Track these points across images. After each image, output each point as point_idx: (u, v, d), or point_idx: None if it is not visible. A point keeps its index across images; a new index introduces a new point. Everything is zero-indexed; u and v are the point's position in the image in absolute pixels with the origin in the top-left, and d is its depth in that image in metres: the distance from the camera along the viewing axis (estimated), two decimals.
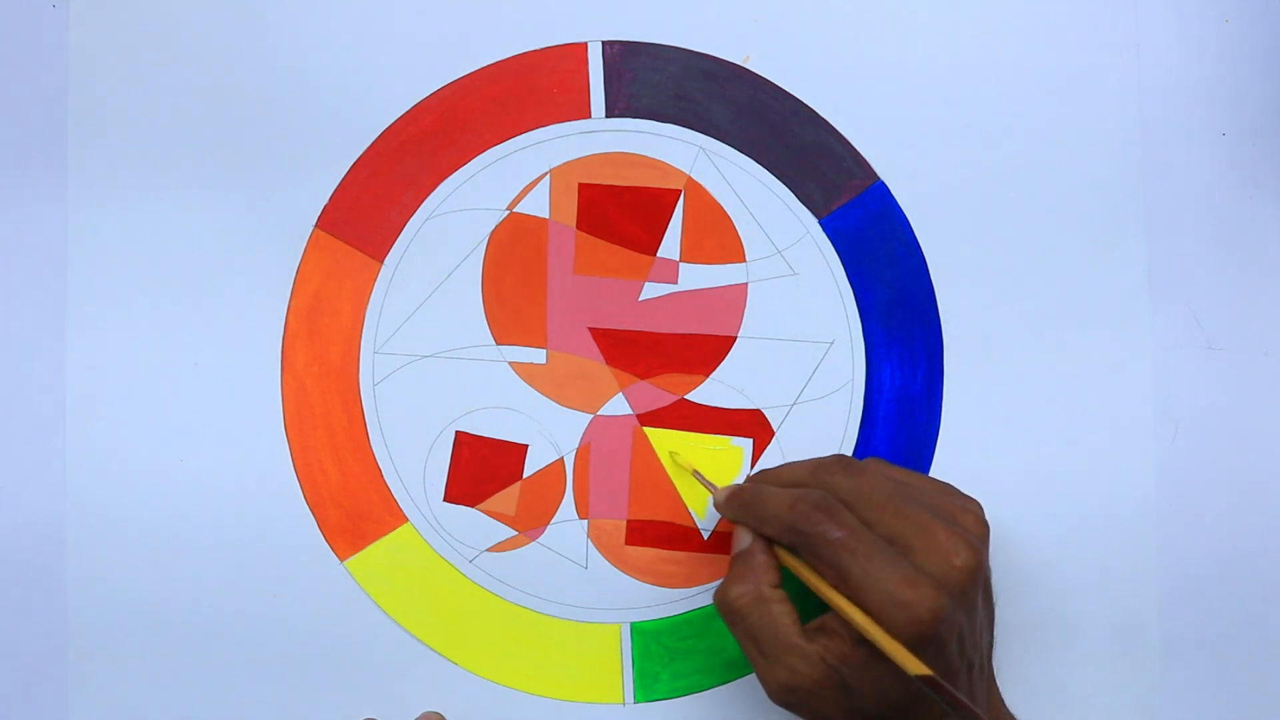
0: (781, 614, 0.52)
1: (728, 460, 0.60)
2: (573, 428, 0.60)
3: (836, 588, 0.50)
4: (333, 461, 0.60)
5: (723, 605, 0.53)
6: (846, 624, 0.50)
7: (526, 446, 0.60)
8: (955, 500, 0.53)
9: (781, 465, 0.57)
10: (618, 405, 0.60)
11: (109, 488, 0.59)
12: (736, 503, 0.55)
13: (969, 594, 0.50)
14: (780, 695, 0.52)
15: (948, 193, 0.60)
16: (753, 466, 0.59)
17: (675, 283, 0.60)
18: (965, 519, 0.52)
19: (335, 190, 0.60)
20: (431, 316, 0.60)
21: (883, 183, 0.60)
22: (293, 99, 0.60)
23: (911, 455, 0.59)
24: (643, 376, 0.60)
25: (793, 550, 0.53)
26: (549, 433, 0.60)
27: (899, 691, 0.50)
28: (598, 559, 0.59)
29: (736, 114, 0.60)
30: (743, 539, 0.54)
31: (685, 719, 0.59)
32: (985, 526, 0.53)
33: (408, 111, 0.60)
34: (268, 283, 0.60)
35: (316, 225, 0.60)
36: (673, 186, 0.60)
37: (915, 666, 0.47)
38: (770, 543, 0.54)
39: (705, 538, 0.59)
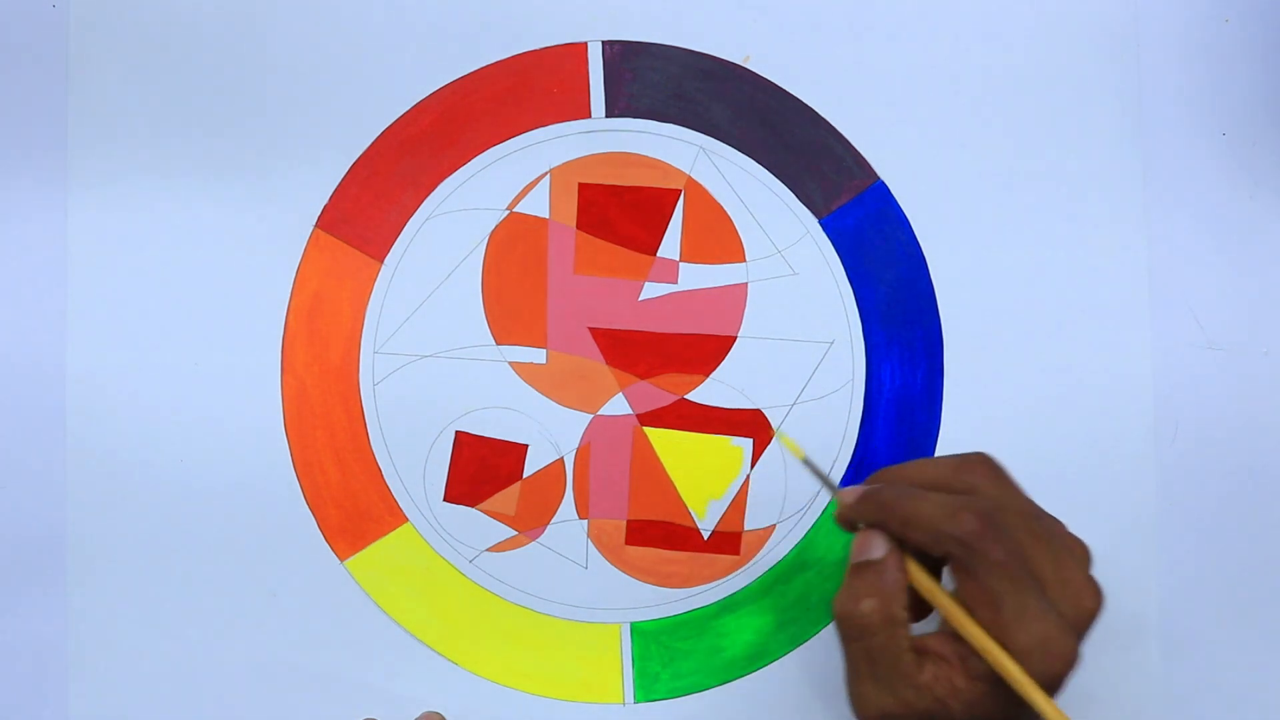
0: (905, 639, 0.48)
1: (727, 460, 0.60)
2: (573, 428, 0.60)
3: (979, 613, 0.46)
4: (333, 461, 0.60)
5: (848, 618, 0.48)
6: (955, 651, 0.47)
7: (526, 446, 0.60)
8: (1069, 535, 0.50)
9: (913, 462, 0.52)
10: (618, 405, 0.60)
11: (109, 488, 0.59)
12: (874, 503, 0.49)
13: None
14: (873, 717, 0.48)
15: (948, 193, 0.60)
16: (752, 466, 0.59)
17: (675, 283, 0.60)
18: (1080, 552, 0.49)
19: (335, 190, 0.60)
20: (431, 316, 0.60)
21: (883, 183, 0.60)
22: (292, 99, 0.60)
23: (911, 455, 0.59)
24: (643, 376, 0.60)
25: (924, 564, 0.49)
26: (549, 433, 0.60)
27: None
28: (598, 559, 0.59)
29: (736, 114, 0.60)
30: (875, 547, 0.49)
31: (685, 719, 0.59)
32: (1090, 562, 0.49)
33: (408, 111, 0.60)
34: (268, 283, 0.60)
35: (316, 225, 0.60)
36: (673, 186, 0.60)
37: (1059, 717, 0.44)
38: (901, 561, 0.49)
39: (705, 538, 0.60)
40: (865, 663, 0.48)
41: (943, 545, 0.47)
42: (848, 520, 0.51)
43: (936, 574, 0.50)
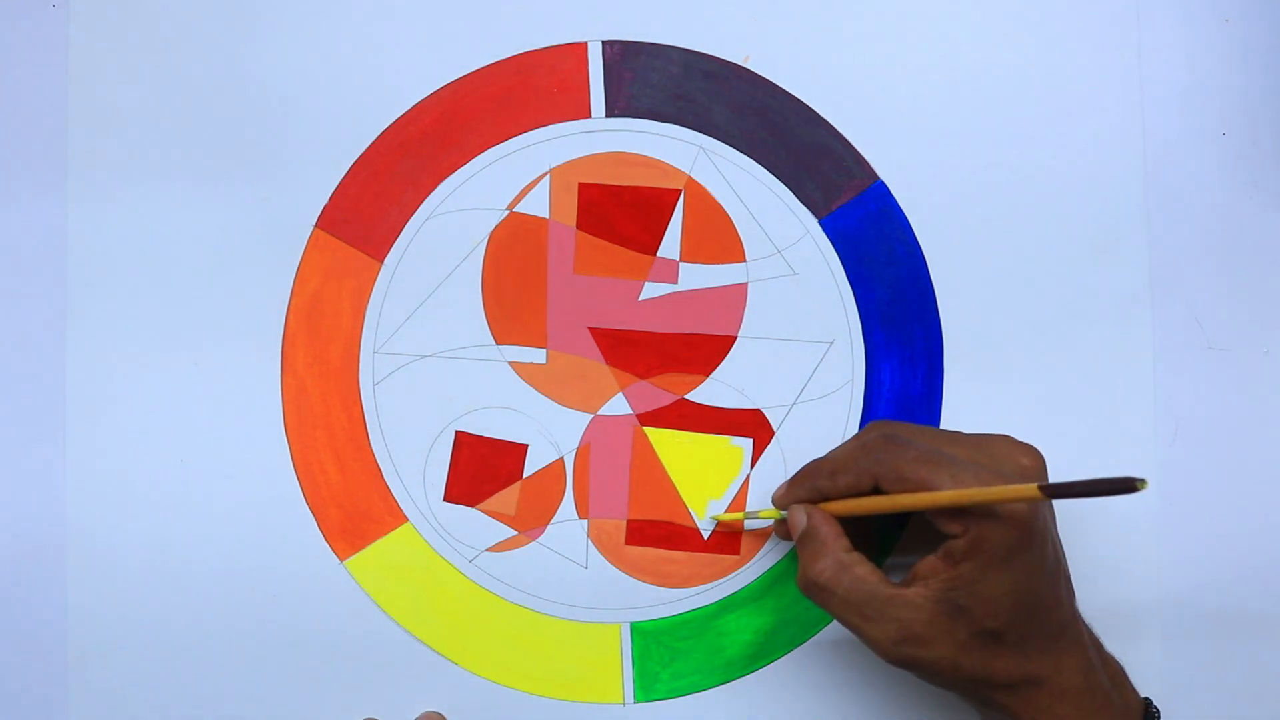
0: (868, 573, 0.51)
1: (727, 460, 0.60)
2: (573, 427, 0.60)
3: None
4: (333, 461, 0.60)
5: (808, 586, 0.52)
6: (943, 560, 0.50)
7: (526, 446, 0.60)
8: (992, 435, 0.54)
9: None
10: (618, 405, 0.60)
11: (109, 488, 0.59)
12: (798, 481, 0.55)
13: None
14: (894, 651, 0.50)
15: (948, 193, 0.60)
16: (752, 466, 0.59)
17: (675, 282, 0.60)
18: (1005, 441, 0.54)
19: (335, 190, 0.60)
20: (431, 316, 0.60)
21: (883, 183, 0.60)
22: (293, 99, 0.60)
23: None
24: (643, 376, 0.60)
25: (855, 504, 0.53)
26: (549, 433, 0.60)
27: (1011, 596, 0.49)
28: (598, 559, 0.59)
29: (736, 114, 0.60)
30: (799, 519, 0.54)
31: (685, 719, 0.59)
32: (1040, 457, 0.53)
33: (408, 111, 0.60)
34: (268, 283, 0.60)
35: (316, 225, 0.60)
36: (673, 186, 0.60)
37: (1033, 492, 0.47)
38: (825, 515, 0.54)
39: (705, 538, 0.60)
40: (849, 611, 0.51)
41: (863, 473, 0.52)
42: (785, 507, 0.56)
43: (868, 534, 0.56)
